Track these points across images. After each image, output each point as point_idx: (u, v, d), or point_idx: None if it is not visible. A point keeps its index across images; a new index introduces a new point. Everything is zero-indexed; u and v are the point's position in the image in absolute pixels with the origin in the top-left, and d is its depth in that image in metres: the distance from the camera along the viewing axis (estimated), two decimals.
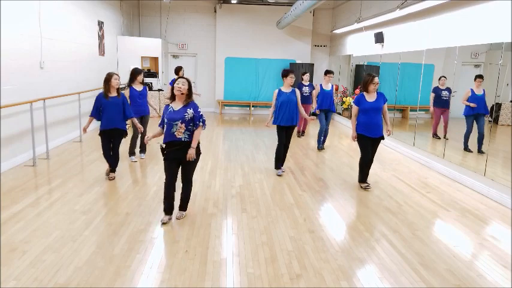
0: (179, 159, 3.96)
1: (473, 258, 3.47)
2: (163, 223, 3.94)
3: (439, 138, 7.18)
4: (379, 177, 5.97)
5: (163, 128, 4.01)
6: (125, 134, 5.36)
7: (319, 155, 7.30)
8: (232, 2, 12.33)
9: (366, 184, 5.39)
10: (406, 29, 7.84)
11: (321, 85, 7.86)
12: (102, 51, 9.58)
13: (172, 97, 3.98)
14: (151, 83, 10.79)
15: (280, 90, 5.83)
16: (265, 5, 12.44)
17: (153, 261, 3.20)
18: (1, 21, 5.35)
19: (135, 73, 6.27)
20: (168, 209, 4.05)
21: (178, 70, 8.03)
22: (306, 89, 8.88)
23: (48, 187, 4.93)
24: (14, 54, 5.69)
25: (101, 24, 9.40)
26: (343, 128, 10.80)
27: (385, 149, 6.95)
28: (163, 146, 3.95)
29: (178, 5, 12.46)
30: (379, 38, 8.86)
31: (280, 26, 11.85)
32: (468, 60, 6.36)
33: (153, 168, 5.98)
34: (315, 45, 13.29)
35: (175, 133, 3.87)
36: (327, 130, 7.85)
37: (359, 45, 10.56)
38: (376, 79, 5.22)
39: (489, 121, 5.91)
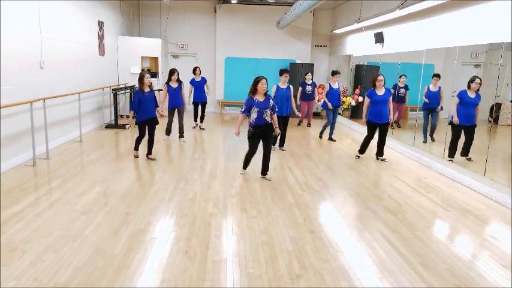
0: (263, 136, 5.39)
1: (473, 258, 3.47)
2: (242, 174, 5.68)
3: (393, 126, 8.33)
4: (379, 177, 5.97)
5: (248, 116, 5.34)
6: (157, 121, 6.39)
7: (319, 155, 7.30)
8: (232, 2, 12.32)
9: (358, 155, 7.05)
10: (406, 29, 7.84)
11: (329, 84, 8.59)
12: (102, 51, 9.58)
13: (254, 91, 5.35)
14: (151, 83, 10.75)
15: (278, 86, 7.13)
16: (265, 5, 12.43)
17: (153, 261, 3.20)
18: (1, 21, 5.36)
19: (170, 73, 7.73)
20: (246, 167, 5.76)
21: (195, 70, 9.22)
22: (308, 88, 10.36)
23: (48, 187, 4.93)
24: (14, 54, 5.69)
25: (101, 24, 9.40)
26: (343, 128, 10.80)
27: (385, 149, 6.95)
28: (252, 129, 5.32)
29: (178, 5, 12.45)
30: (379, 38, 8.86)
31: (280, 26, 11.85)
32: (468, 60, 6.36)
33: (153, 168, 5.98)
34: (315, 45, 13.29)
35: (266, 117, 5.33)
36: (334, 123, 8.68)
37: (359, 45, 10.56)
38: (380, 77, 6.53)
39: (489, 121, 5.91)
